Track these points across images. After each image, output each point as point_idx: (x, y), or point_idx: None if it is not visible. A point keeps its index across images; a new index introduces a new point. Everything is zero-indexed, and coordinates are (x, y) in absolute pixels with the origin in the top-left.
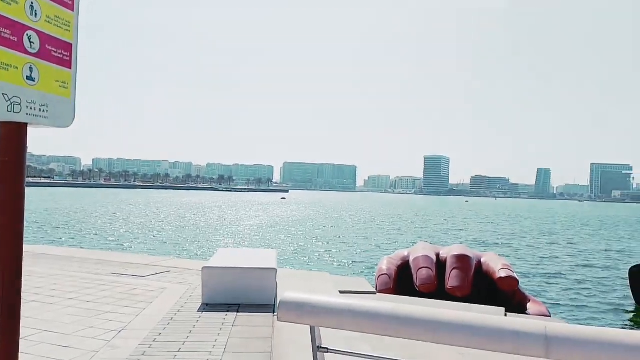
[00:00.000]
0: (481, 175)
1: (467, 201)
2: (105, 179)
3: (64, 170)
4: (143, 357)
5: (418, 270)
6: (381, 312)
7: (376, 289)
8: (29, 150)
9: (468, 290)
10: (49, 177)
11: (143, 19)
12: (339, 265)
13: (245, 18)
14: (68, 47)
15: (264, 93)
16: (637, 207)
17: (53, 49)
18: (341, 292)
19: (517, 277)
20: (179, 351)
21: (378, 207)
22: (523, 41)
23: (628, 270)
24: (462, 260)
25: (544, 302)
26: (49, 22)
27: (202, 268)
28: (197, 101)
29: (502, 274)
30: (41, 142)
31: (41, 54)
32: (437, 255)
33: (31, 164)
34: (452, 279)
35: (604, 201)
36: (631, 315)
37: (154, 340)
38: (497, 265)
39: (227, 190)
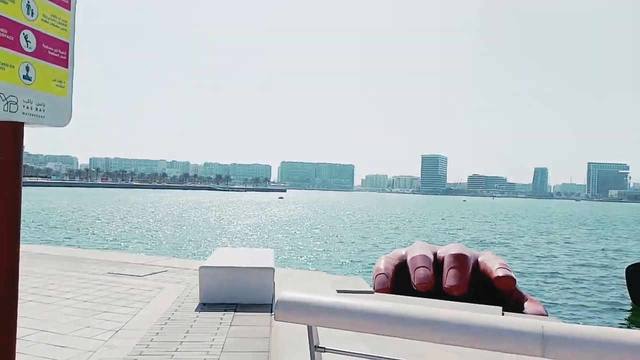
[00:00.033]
0: (478, 174)
1: (464, 200)
2: (102, 179)
3: (61, 170)
4: (140, 357)
5: (415, 269)
6: (379, 311)
7: (374, 289)
8: (25, 149)
9: (465, 289)
10: (45, 177)
11: (143, 19)
12: (337, 264)
13: (245, 18)
14: (65, 46)
15: (261, 93)
16: (634, 206)
17: (49, 48)
18: (339, 291)
19: (514, 276)
20: (176, 351)
21: (375, 206)
22: (522, 41)
23: (625, 270)
24: (460, 259)
25: (541, 301)
26: (45, 21)
27: (200, 267)
28: (196, 101)
29: (500, 273)
30: (38, 142)
31: (37, 53)
32: (435, 254)
33: (28, 164)
34: (449, 278)
35: (601, 200)
36: (628, 314)
37: (151, 340)
38: (495, 264)
39: (224, 190)
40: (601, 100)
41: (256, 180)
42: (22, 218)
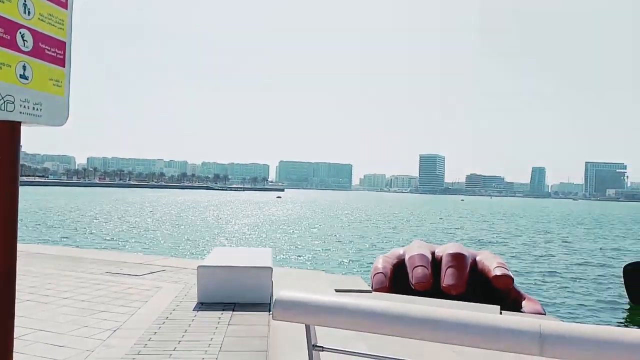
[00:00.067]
0: (476, 173)
1: (462, 200)
2: (99, 178)
3: (58, 169)
4: (138, 357)
5: (413, 268)
6: (377, 310)
7: (372, 288)
8: (22, 149)
9: (463, 288)
10: (43, 176)
11: (143, 19)
12: (335, 263)
13: (245, 18)
14: (62, 45)
15: (261, 92)
16: (632, 205)
17: (46, 47)
18: (337, 290)
19: (512, 275)
20: (174, 350)
21: (373, 205)
22: (522, 41)
23: (622, 268)
24: (458, 258)
25: (539, 300)
26: (42, 20)
27: (198, 267)
28: (196, 101)
29: (497, 272)
30: (35, 141)
31: (34, 52)
32: (433, 253)
33: (25, 163)
34: (447, 278)
35: (599, 199)
36: (625, 313)
37: (149, 340)
38: (492, 263)
39: (222, 189)
40: (601, 100)
41: (254, 179)
42: (19, 217)
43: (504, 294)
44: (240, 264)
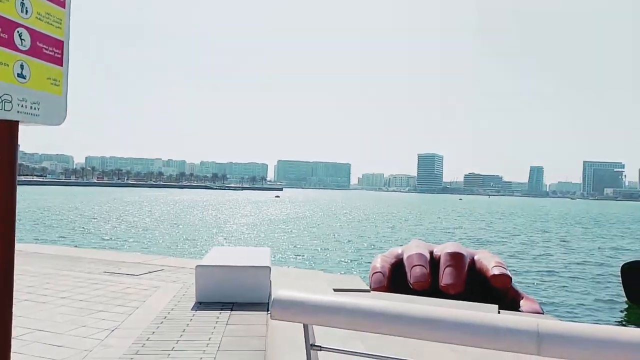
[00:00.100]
0: (474, 173)
1: (460, 199)
2: (98, 177)
3: (57, 169)
4: (136, 356)
5: (412, 268)
6: (375, 310)
7: (370, 287)
8: (20, 148)
9: (461, 287)
10: (41, 176)
11: (143, 19)
12: (333, 263)
13: (245, 18)
14: (59, 45)
15: (261, 92)
16: (629, 204)
17: (44, 46)
18: (335, 290)
19: (510, 274)
20: (172, 350)
21: (372, 205)
22: (522, 41)
23: (620, 268)
24: (456, 258)
25: (537, 300)
26: (39, 19)
27: (196, 266)
28: (196, 101)
29: (496, 271)
30: (33, 140)
31: (32, 51)
32: (431, 253)
33: (23, 162)
34: (445, 277)
35: (597, 199)
36: (623, 312)
37: (147, 339)
38: (491, 262)
39: (220, 189)
40: (600, 100)
41: (253, 179)
42: (17, 217)
43: (502, 293)
44: (238, 263)
